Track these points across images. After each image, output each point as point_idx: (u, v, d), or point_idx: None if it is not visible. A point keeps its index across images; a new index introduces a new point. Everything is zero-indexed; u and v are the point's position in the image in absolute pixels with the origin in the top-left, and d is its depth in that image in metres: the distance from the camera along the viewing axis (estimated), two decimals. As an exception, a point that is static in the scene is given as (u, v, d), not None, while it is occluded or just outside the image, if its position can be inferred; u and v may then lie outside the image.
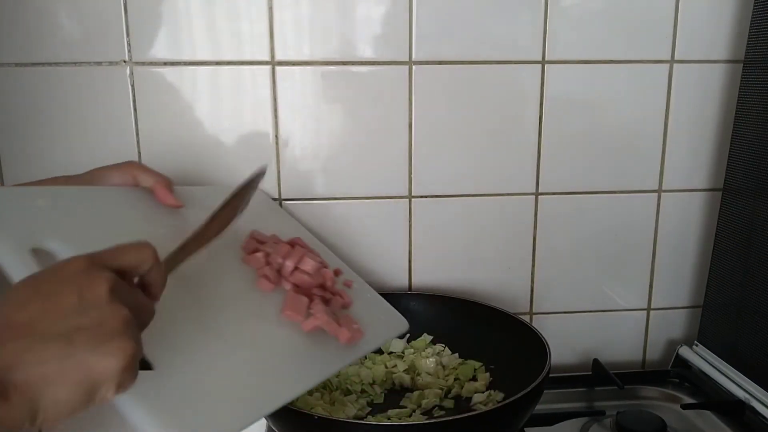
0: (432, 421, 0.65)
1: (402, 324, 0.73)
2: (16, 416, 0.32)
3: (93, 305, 0.34)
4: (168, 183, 0.59)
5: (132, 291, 0.38)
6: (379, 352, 0.80)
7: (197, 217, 0.62)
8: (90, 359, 0.33)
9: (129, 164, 0.59)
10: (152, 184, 0.58)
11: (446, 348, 0.80)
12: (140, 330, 0.38)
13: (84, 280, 0.35)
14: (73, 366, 0.33)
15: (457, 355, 0.80)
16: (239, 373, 0.50)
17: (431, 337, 0.82)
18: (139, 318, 0.38)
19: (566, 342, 0.91)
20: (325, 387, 0.74)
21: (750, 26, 0.78)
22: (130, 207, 0.56)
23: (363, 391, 0.74)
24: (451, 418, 0.63)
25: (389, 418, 0.69)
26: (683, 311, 0.93)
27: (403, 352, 0.80)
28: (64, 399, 0.33)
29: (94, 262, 0.36)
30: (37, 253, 0.44)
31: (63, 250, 0.45)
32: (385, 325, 0.72)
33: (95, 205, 0.53)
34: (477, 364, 0.78)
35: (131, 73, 0.76)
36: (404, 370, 0.76)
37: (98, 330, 0.34)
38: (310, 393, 0.72)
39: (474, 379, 0.76)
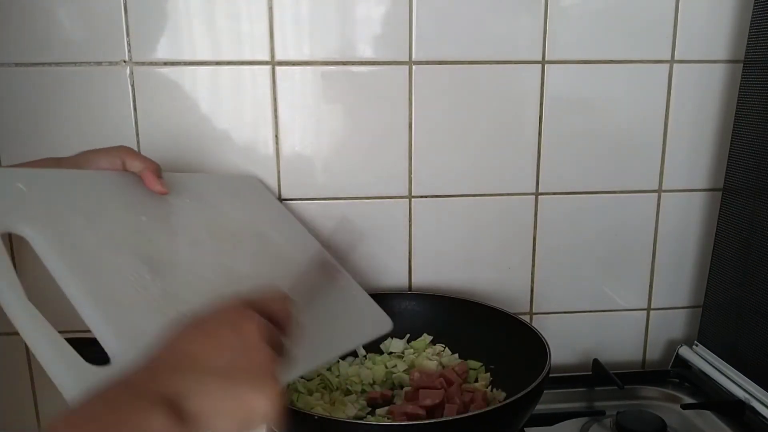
0: (432, 421, 0.65)
1: (386, 323, 0.72)
2: None
3: (247, 345, 0.38)
4: (157, 169, 0.59)
5: (275, 332, 0.41)
6: (379, 352, 0.80)
7: (183, 205, 0.61)
8: (246, 395, 0.36)
9: (119, 148, 0.59)
10: (141, 169, 0.58)
11: (446, 348, 0.80)
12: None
13: (241, 321, 0.39)
14: (233, 401, 0.36)
15: (457, 355, 0.80)
16: None
17: (431, 337, 0.81)
18: (279, 355, 0.41)
19: (566, 342, 0.91)
20: (325, 387, 0.74)
21: (750, 26, 0.78)
22: (113, 193, 0.55)
23: (363, 391, 0.74)
24: (451, 418, 0.63)
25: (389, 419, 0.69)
26: (683, 311, 0.93)
27: (403, 352, 0.80)
28: (225, 430, 0.36)
29: (249, 307, 0.40)
30: (10, 237, 0.43)
31: (37, 236, 0.45)
32: (368, 324, 0.71)
33: (77, 189, 0.52)
34: (477, 364, 0.78)
35: (131, 73, 0.76)
36: (404, 370, 0.76)
37: (252, 369, 0.37)
38: (310, 393, 0.72)
39: (474, 379, 0.76)
